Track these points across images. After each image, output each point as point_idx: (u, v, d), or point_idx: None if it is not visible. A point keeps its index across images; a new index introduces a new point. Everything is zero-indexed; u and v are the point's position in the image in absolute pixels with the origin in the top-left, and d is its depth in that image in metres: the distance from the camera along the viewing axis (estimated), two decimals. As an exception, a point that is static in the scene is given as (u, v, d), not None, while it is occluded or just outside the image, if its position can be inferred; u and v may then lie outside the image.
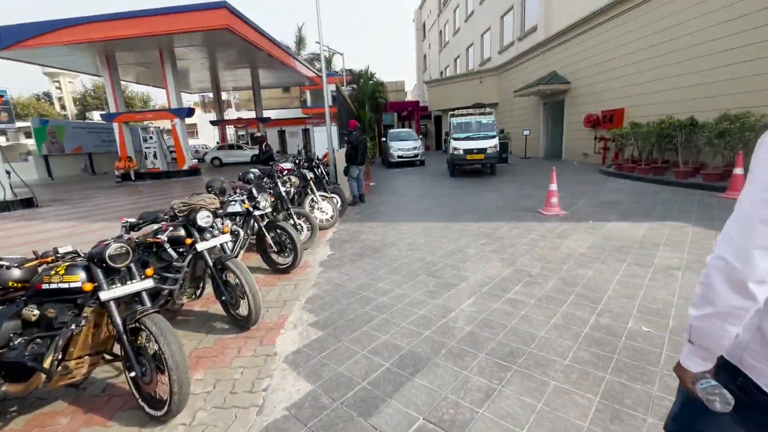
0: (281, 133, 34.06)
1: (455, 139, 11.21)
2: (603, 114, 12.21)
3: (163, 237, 2.87)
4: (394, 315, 3.17)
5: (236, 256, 4.09)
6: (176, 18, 13.57)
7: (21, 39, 14.06)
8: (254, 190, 4.22)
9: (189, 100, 36.48)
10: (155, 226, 3.15)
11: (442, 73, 34.01)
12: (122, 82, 34.28)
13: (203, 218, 3.07)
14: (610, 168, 10.88)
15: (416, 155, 16.24)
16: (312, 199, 6.19)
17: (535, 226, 5.55)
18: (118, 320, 2.13)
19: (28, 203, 10.62)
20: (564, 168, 12.30)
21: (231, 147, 24.60)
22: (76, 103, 57.70)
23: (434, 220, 6.25)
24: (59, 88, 60.67)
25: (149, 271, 2.40)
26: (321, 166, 7.59)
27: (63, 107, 58.20)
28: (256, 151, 24.72)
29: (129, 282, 2.27)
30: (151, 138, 17.18)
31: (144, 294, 2.31)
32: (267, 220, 4.29)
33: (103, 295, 2.11)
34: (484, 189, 9.16)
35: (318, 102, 26.54)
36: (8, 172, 10.46)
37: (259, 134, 8.85)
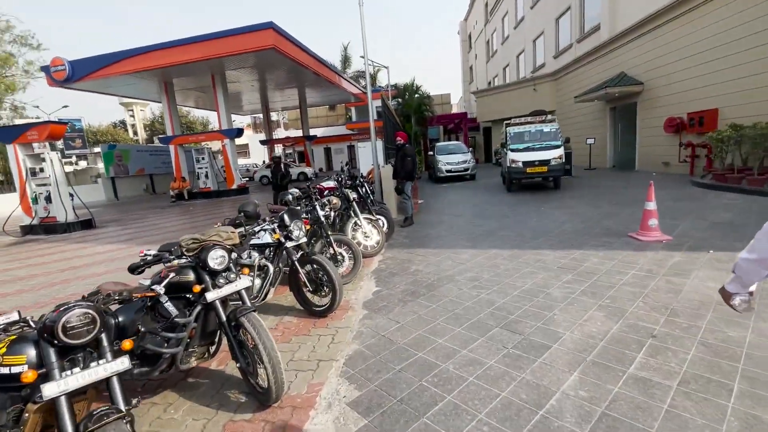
0: (327, 150, 34.46)
1: (513, 150, 10.09)
2: (689, 117, 10.49)
3: (160, 288, 2.21)
4: (465, 397, 2.26)
5: (264, 299, 3.42)
6: (226, 41, 13.90)
7: (91, 70, 15.12)
8: (286, 217, 3.55)
9: (242, 121, 38.32)
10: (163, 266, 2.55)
11: (490, 83, 32.76)
12: (185, 108, 36.54)
13: (216, 259, 2.40)
14: (704, 179, 9.16)
15: (466, 169, 15.20)
16: (355, 222, 5.47)
17: (635, 256, 4.37)
18: (69, 430, 1.45)
19: (87, 224, 11.02)
20: (643, 180, 10.65)
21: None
22: (146, 129, 63.36)
23: (498, 247, 5.25)
24: (132, 116, 67.19)
25: (126, 343, 1.73)
26: (365, 185, 6.90)
27: (135, 133, 64.17)
28: (304, 169, 25.06)
29: (95, 363, 1.60)
30: (203, 159, 17.73)
31: (115, 381, 1.63)
32: (301, 252, 3.59)
33: (47, 390, 1.44)
34: (551, 206, 7.95)
35: (363, 118, 26.46)
36: (71, 195, 10.94)
37: (276, 155, 8.47)
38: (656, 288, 3.46)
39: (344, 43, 37.21)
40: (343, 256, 4.48)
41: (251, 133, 41.35)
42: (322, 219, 4.42)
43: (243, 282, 2.54)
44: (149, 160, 24.15)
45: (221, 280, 2.42)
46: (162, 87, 17.50)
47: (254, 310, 2.39)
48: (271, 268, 3.46)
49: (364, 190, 6.48)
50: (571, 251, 4.76)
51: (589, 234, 5.48)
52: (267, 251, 3.59)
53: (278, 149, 30.73)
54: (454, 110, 39.50)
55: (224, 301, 2.43)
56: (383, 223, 6.29)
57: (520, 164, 9.85)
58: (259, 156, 37.43)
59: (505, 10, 27.48)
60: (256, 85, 21.29)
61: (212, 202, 16.18)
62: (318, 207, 4.48)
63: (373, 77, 27.96)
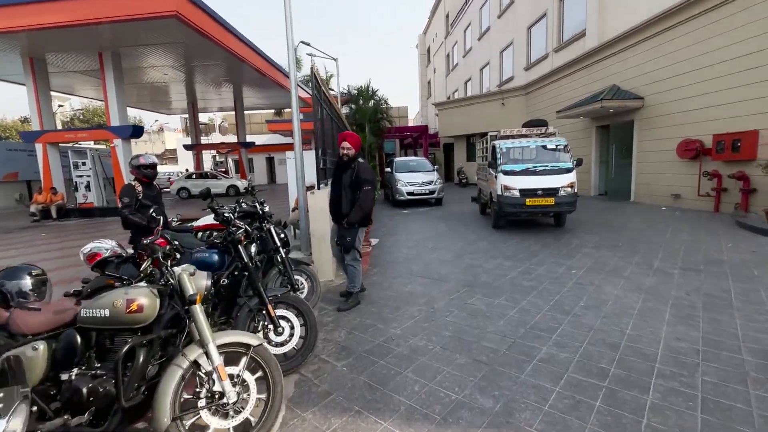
0: (269, 161, 30.31)
1: (506, 172, 7.17)
2: (716, 139, 8.29)
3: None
4: None
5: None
6: (109, 2, 9.91)
7: None
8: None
9: (167, 121, 33.02)
10: None
11: (449, 97, 30.82)
12: (86, 99, 30.41)
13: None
14: (747, 219, 6.78)
15: (432, 191, 12.24)
16: (195, 363, 1.96)
17: None
18: None
19: None
20: (651, 216, 8.26)
21: (203, 176, 20.64)
22: (65, 126, 54.78)
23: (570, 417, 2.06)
24: (48, 110, 57.91)
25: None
26: (274, 230, 3.52)
27: (50, 130, 54.87)
28: (237, 182, 20.49)
29: None
30: (83, 164, 13.15)
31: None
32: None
33: None
34: (584, 268, 4.98)
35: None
36: None
37: (143, 161, 3.90)
38: None
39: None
40: None
41: (182, 136, 36.04)
42: None
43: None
44: (27, 162, 18.57)
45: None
46: (28, 64, 12.81)
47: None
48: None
49: (255, 249, 3.05)
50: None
51: (754, 381, 2.45)
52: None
53: (207, 157, 26.13)
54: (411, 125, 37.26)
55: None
56: (291, 329, 2.85)
57: (517, 193, 6.92)
58: (190, 164, 32.30)
59: (468, 22, 25.71)
60: (175, 76, 17.03)
61: (92, 224, 11.73)
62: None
63: (326, 81, 24.59)
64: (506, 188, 7.03)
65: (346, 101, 19.43)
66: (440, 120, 22.90)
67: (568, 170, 7.00)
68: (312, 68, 4.51)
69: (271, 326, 2.73)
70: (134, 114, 44.33)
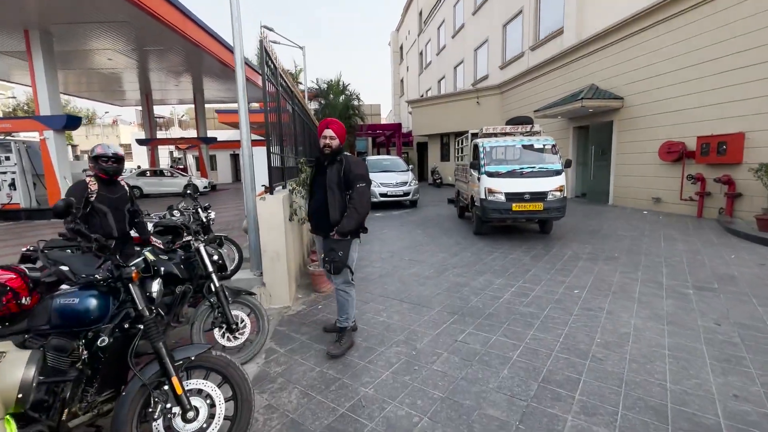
0: (234, 158, 28.60)
1: (489, 174, 6.47)
2: (701, 142, 7.98)
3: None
4: None
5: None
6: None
7: None
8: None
9: (119, 114, 30.46)
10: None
11: (422, 96, 30.28)
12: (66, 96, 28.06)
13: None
14: (733, 224, 6.44)
15: (406, 193, 11.48)
16: None
17: None
18: None
19: None
20: (636, 221, 7.86)
21: (157, 173, 18.90)
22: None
23: None
24: (-12, 99, 53.20)
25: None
26: (203, 250, 2.60)
27: (-12, 122, 49.95)
28: (196, 180, 18.88)
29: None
30: (7, 159, 11.40)
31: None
32: None
33: None
34: (587, 287, 4.32)
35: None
36: None
37: (100, 151, 3.02)
38: None
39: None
40: None
41: (138, 130, 33.51)
42: None
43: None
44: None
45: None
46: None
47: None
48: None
49: (157, 288, 2.08)
50: None
51: None
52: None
53: (163, 152, 24.19)
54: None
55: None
56: (210, 407, 1.92)
57: (502, 197, 6.23)
58: (142, 160, 29.96)
59: (442, 19, 25.22)
60: (125, 62, 15.33)
61: (15, 229, 10.11)
62: None
63: (295, 77, 23.24)
64: (490, 191, 6.32)
65: (315, 95, 18.33)
66: (414, 118, 22.24)
67: (557, 172, 6.38)
68: (261, 41, 3.56)
69: (177, 409, 1.79)
70: (87, 105, 40.77)
